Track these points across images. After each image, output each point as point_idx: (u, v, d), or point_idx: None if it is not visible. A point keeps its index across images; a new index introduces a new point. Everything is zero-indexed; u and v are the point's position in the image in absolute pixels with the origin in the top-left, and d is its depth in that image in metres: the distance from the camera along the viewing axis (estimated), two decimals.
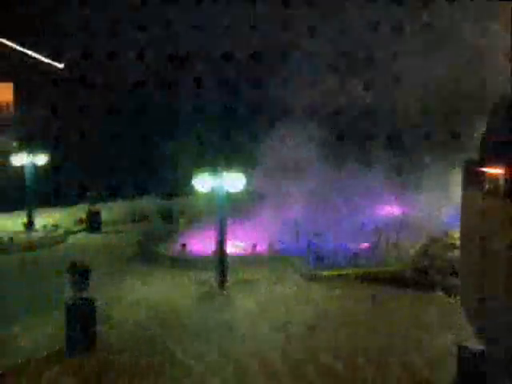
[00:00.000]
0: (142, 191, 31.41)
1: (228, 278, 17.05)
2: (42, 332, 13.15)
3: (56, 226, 24.63)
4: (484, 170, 7.46)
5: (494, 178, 7.22)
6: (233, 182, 16.62)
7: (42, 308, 14.56)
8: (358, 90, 24.44)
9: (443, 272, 16.48)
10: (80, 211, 27.15)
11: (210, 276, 17.27)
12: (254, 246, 19.98)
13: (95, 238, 24.53)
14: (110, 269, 18.31)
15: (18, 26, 31.92)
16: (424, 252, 17.72)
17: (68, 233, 24.60)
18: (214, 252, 17.60)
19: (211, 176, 16.56)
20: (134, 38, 36.01)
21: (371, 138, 26.98)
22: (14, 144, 31.19)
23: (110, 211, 28.24)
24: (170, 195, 30.92)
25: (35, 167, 25.52)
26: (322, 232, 18.29)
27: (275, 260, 19.28)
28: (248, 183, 17.20)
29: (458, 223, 9.21)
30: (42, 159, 25.58)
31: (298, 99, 24.05)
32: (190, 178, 16.87)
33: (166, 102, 30.83)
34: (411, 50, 22.19)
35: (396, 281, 16.89)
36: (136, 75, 34.52)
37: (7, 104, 31.30)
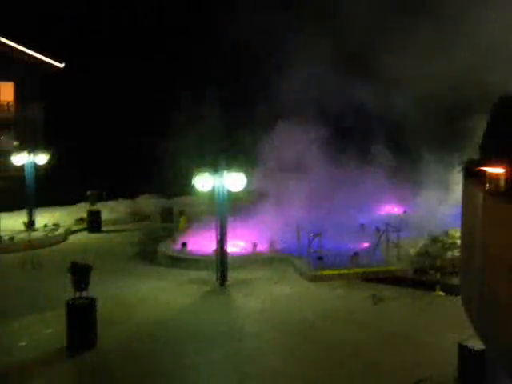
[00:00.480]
0: (142, 191, 31.46)
1: (228, 277, 17.08)
2: (43, 331, 13.16)
3: (56, 226, 24.67)
4: (485, 169, 7.44)
5: (494, 178, 7.21)
6: (233, 181, 16.64)
7: (43, 307, 14.57)
8: (358, 90, 24.41)
9: (443, 272, 16.50)
10: (80, 210, 27.24)
11: (211, 275, 17.30)
12: (255, 245, 19.99)
13: (95, 238, 24.58)
14: (110, 268, 18.34)
15: (18, 25, 31.97)
16: (424, 252, 17.71)
17: (68, 232, 24.66)
18: (215, 251, 17.63)
19: (212, 175, 16.58)
20: (134, 33, 36.09)
21: (371, 138, 27.00)
22: (15, 143, 31.26)
23: (110, 211, 28.33)
24: (171, 195, 30.99)
25: (36, 167, 25.57)
26: (323, 231, 18.27)
27: (276, 259, 19.31)
28: (248, 182, 17.22)
29: (459, 223, 9.20)
30: (42, 159, 25.63)
31: (299, 98, 24.05)
32: (190, 178, 16.88)
33: (165, 102, 30.85)
34: (412, 48, 22.18)
35: (396, 280, 16.92)
36: (136, 74, 34.58)
37: (7, 103, 31.32)
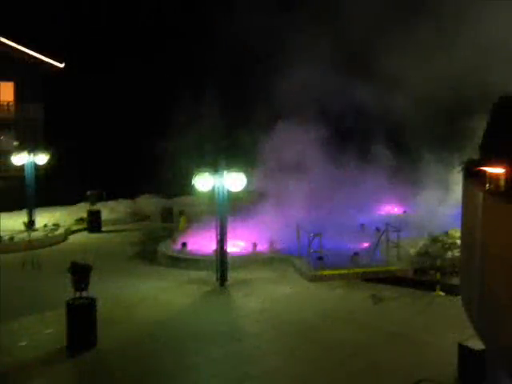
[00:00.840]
0: (142, 191, 31.47)
1: (228, 277, 17.08)
2: (43, 331, 13.15)
3: (56, 226, 24.68)
4: (485, 169, 7.44)
5: (494, 178, 7.20)
6: (233, 181, 16.63)
7: (43, 307, 14.57)
8: (358, 90, 24.41)
9: (443, 272, 16.50)
10: (80, 210, 27.25)
11: (211, 275, 17.30)
12: (255, 245, 19.99)
13: (95, 238, 24.59)
14: (110, 268, 18.34)
15: (18, 25, 31.98)
16: (424, 252, 17.71)
17: (68, 232, 24.67)
18: (215, 251, 17.63)
19: (212, 175, 16.58)
20: (134, 33, 36.11)
21: (371, 138, 27.00)
22: (15, 143, 31.28)
23: (110, 211, 28.34)
24: (171, 195, 31.00)
25: (36, 167, 25.57)
26: (323, 231, 18.26)
27: (276, 259, 19.31)
28: (248, 182, 17.22)
29: (459, 223, 9.19)
30: (42, 159, 25.63)
31: (299, 99, 24.05)
32: (190, 178, 16.88)
33: (165, 102, 30.87)
34: (412, 47, 22.20)
35: (396, 280, 16.92)
36: (136, 74, 34.57)
37: (7, 103, 31.33)
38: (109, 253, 21.22)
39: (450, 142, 23.41)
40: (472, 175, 8.20)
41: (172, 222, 27.23)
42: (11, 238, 22.11)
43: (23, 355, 11.91)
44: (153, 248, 21.63)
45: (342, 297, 15.76)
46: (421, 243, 18.39)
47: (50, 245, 22.62)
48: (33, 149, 25.63)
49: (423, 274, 17.08)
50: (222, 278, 16.92)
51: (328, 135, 24.05)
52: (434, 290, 15.79)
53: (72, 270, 12.13)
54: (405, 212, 26.58)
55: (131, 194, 31.00)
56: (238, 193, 17.48)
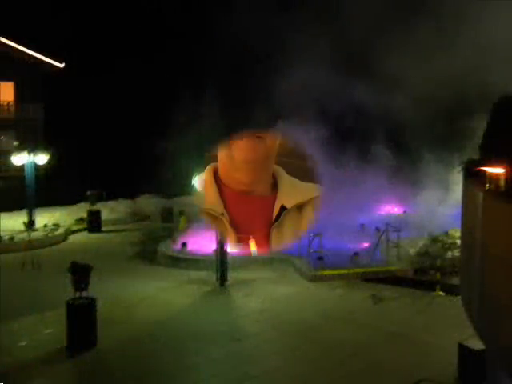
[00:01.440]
0: (142, 191, 31.48)
1: (228, 277, 17.08)
2: (43, 331, 13.15)
3: (56, 226, 24.69)
4: (485, 169, 7.43)
5: (494, 178, 7.20)
6: None
7: (43, 307, 14.57)
8: (358, 90, 24.40)
9: (443, 272, 16.50)
10: (80, 210, 27.26)
11: (211, 275, 17.30)
12: None
13: (95, 238, 24.61)
14: (110, 268, 18.33)
15: (18, 25, 31.99)
16: (424, 252, 17.71)
17: (68, 232, 24.68)
18: (215, 251, 17.63)
19: None
20: (134, 33, 36.10)
21: (371, 138, 26.99)
22: (15, 143, 31.28)
23: (110, 211, 28.35)
24: (171, 195, 31.01)
25: (36, 167, 25.58)
26: (323, 231, 18.24)
27: (276, 259, 19.30)
28: None
29: (459, 223, 9.19)
30: (42, 159, 25.64)
31: (299, 99, 24.04)
32: (190, 178, 16.87)
33: (165, 102, 30.86)
34: (412, 47, 22.20)
35: (396, 280, 16.92)
36: (136, 74, 34.56)
37: (8, 103, 31.33)
38: (109, 253, 21.24)
39: (450, 142, 23.40)
40: (472, 175, 8.19)
41: (172, 222, 27.24)
42: (11, 238, 22.12)
43: (23, 355, 11.91)
44: (153, 248, 21.63)
45: (341, 297, 15.76)
46: (421, 243, 18.39)
47: (50, 245, 22.63)
48: (33, 149, 25.65)
49: (423, 274, 17.08)
50: (222, 278, 16.91)
51: (328, 135, 24.00)
52: (434, 290, 15.79)
53: (72, 269, 12.14)
54: (405, 212, 26.58)
55: (131, 194, 31.01)
56: None
